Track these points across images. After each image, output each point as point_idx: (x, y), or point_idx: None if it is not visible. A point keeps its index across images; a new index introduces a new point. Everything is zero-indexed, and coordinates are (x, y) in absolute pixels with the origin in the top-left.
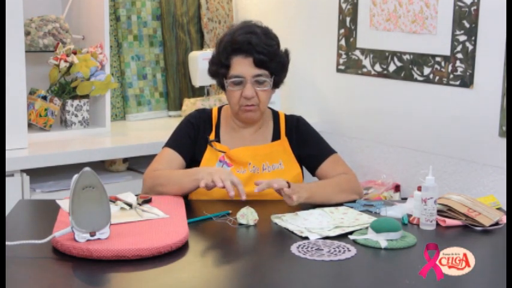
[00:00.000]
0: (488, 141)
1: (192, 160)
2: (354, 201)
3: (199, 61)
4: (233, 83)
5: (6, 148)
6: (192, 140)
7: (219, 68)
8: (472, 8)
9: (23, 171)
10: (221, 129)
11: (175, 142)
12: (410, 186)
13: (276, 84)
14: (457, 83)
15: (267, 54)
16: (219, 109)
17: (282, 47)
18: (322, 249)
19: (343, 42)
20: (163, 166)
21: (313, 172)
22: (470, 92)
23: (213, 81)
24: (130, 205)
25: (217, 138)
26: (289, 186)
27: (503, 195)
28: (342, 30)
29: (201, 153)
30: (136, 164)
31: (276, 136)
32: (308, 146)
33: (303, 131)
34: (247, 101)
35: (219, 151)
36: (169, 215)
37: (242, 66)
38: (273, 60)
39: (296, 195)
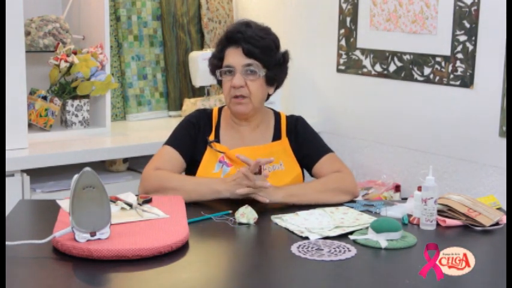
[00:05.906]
0: (488, 141)
1: (192, 160)
2: (354, 201)
3: (200, 61)
4: (223, 72)
5: (6, 148)
6: (192, 140)
7: (214, 61)
8: (472, 8)
9: (23, 171)
10: (221, 129)
11: (175, 141)
12: (411, 186)
13: (271, 80)
14: (457, 83)
15: (258, 45)
16: (220, 109)
17: (283, 47)
18: (322, 249)
19: (343, 42)
20: (164, 165)
21: (309, 171)
22: (470, 92)
23: (214, 81)
24: (130, 205)
25: (217, 139)
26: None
27: (503, 195)
28: (342, 30)
29: (201, 154)
30: (137, 164)
31: (276, 136)
32: (305, 145)
33: (301, 131)
34: (236, 90)
35: (219, 151)
36: (169, 215)
37: (233, 56)
38: (264, 53)
39: (268, 189)
